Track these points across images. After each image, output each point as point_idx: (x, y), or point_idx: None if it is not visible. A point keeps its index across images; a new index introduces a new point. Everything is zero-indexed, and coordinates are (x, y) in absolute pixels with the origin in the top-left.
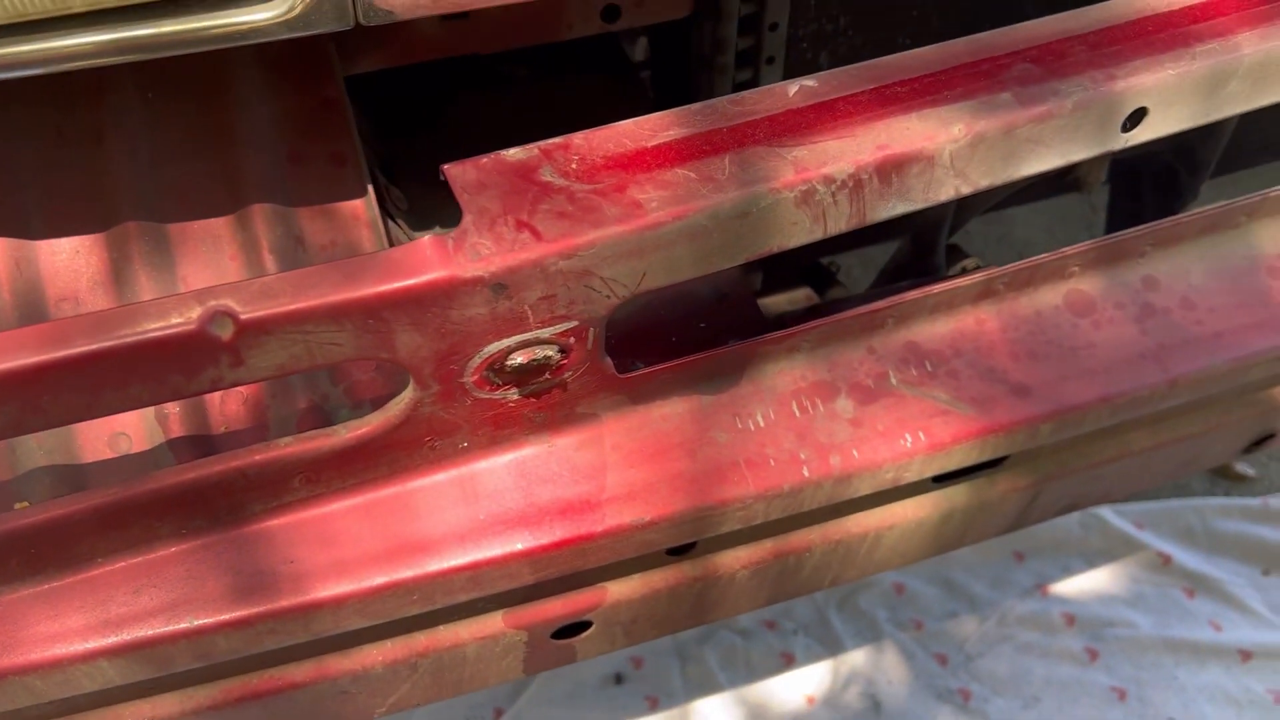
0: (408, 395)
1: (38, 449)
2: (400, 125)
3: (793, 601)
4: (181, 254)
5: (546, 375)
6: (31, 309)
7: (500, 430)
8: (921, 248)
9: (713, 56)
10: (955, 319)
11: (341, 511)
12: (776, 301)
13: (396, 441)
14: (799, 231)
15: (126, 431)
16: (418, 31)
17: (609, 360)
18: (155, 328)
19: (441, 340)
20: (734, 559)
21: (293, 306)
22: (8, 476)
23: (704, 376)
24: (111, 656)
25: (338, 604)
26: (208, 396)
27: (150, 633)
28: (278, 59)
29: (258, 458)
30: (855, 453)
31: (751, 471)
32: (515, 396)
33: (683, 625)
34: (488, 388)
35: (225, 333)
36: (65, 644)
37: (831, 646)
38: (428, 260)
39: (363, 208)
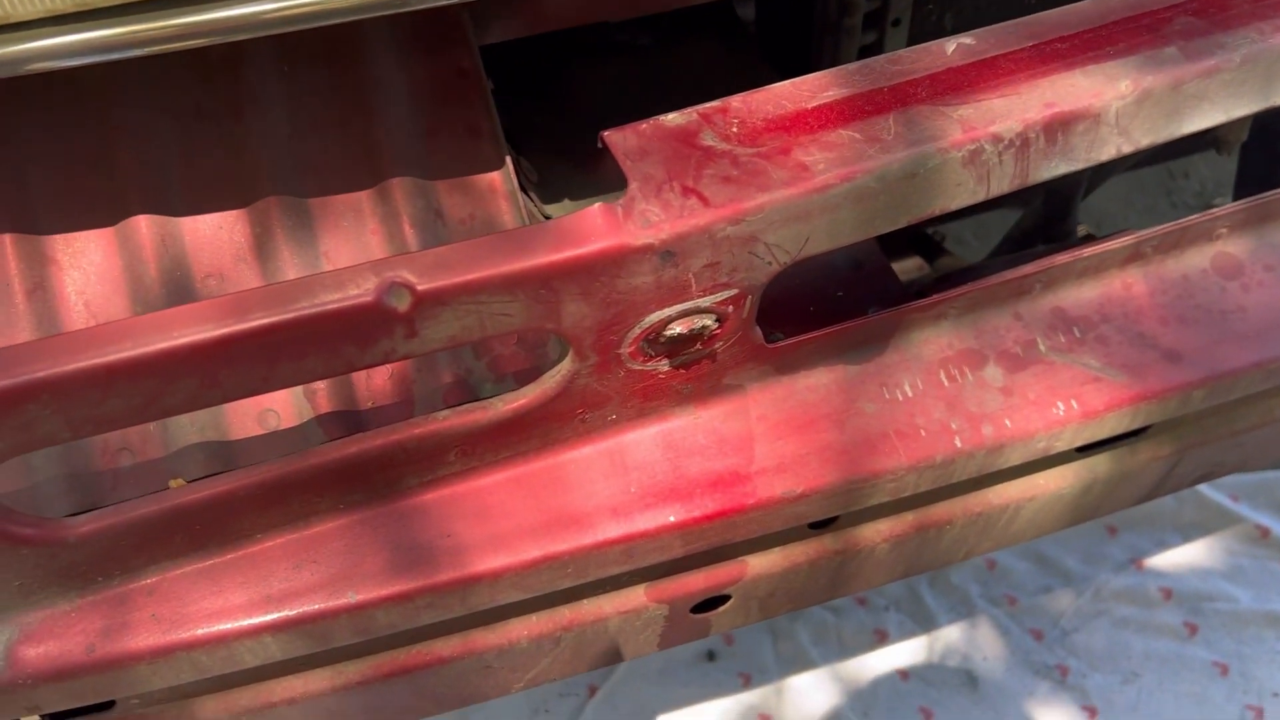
0: (565, 367)
1: (190, 426)
2: (521, 96)
3: None
4: (323, 228)
5: (698, 346)
6: (177, 285)
7: (648, 402)
8: (1054, 212)
9: (839, 19)
10: (1102, 284)
11: (495, 485)
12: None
13: (550, 414)
14: (962, 193)
15: (275, 408)
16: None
17: (758, 330)
18: (333, 299)
19: (606, 310)
20: (875, 532)
21: (469, 277)
22: (161, 454)
23: (849, 346)
24: (274, 632)
25: (495, 577)
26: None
27: (312, 608)
28: (413, 29)
29: (416, 431)
30: (1008, 422)
31: (902, 442)
32: (666, 368)
33: (817, 599)
34: (641, 359)
35: (402, 304)
36: (229, 620)
37: (924, 622)
38: (599, 229)
39: (500, 180)
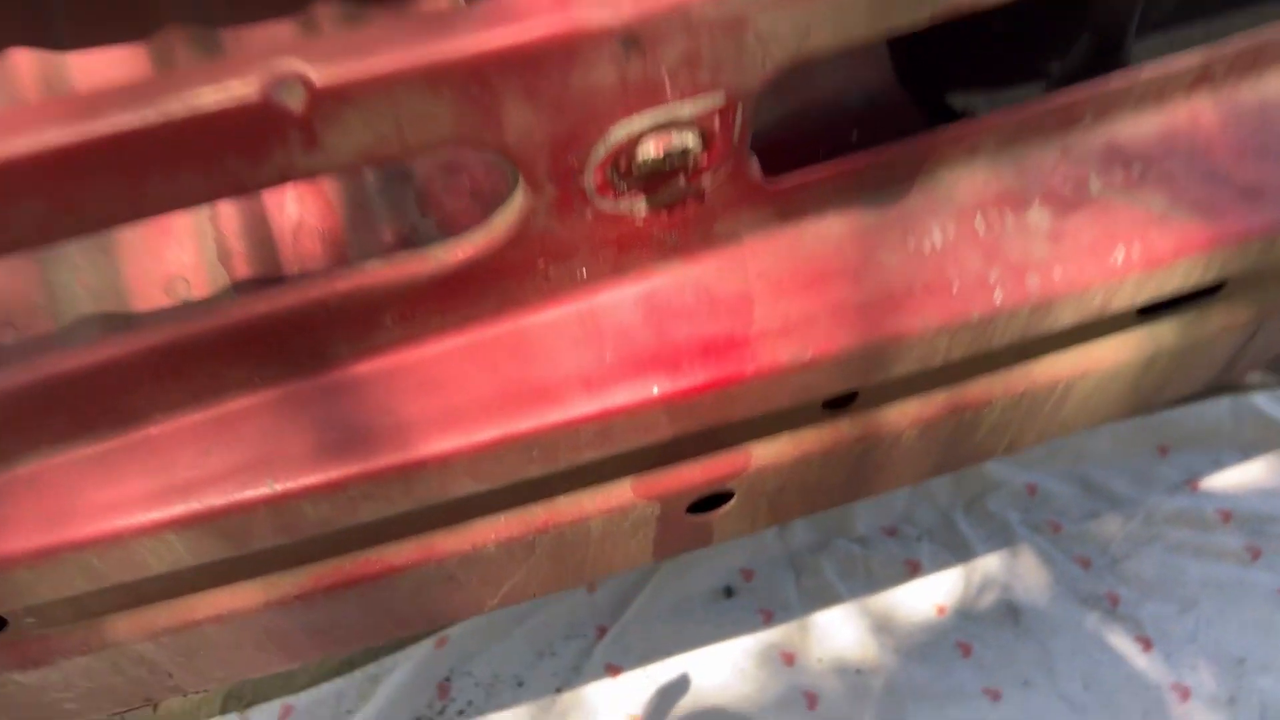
0: (517, 202)
1: (83, 293)
2: None
3: (913, 505)
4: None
5: (681, 180)
6: None
7: (625, 255)
8: (1105, 46)
9: None
10: (1165, 113)
11: (444, 354)
12: None
13: (504, 266)
14: None
15: (185, 275)
16: None
17: (755, 162)
18: (210, 98)
19: (559, 118)
20: (901, 415)
21: (379, 68)
22: (50, 328)
23: (865, 187)
24: (180, 528)
25: (444, 461)
26: (277, 232)
27: (224, 500)
28: None
29: (340, 285)
30: (1057, 272)
31: (931, 298)
32: (643, 210)
33: (836, 498)
34: (612, 195)
35: (296, 102)
36: (126, 514)
37: (960, 552)
38: (542, 4)
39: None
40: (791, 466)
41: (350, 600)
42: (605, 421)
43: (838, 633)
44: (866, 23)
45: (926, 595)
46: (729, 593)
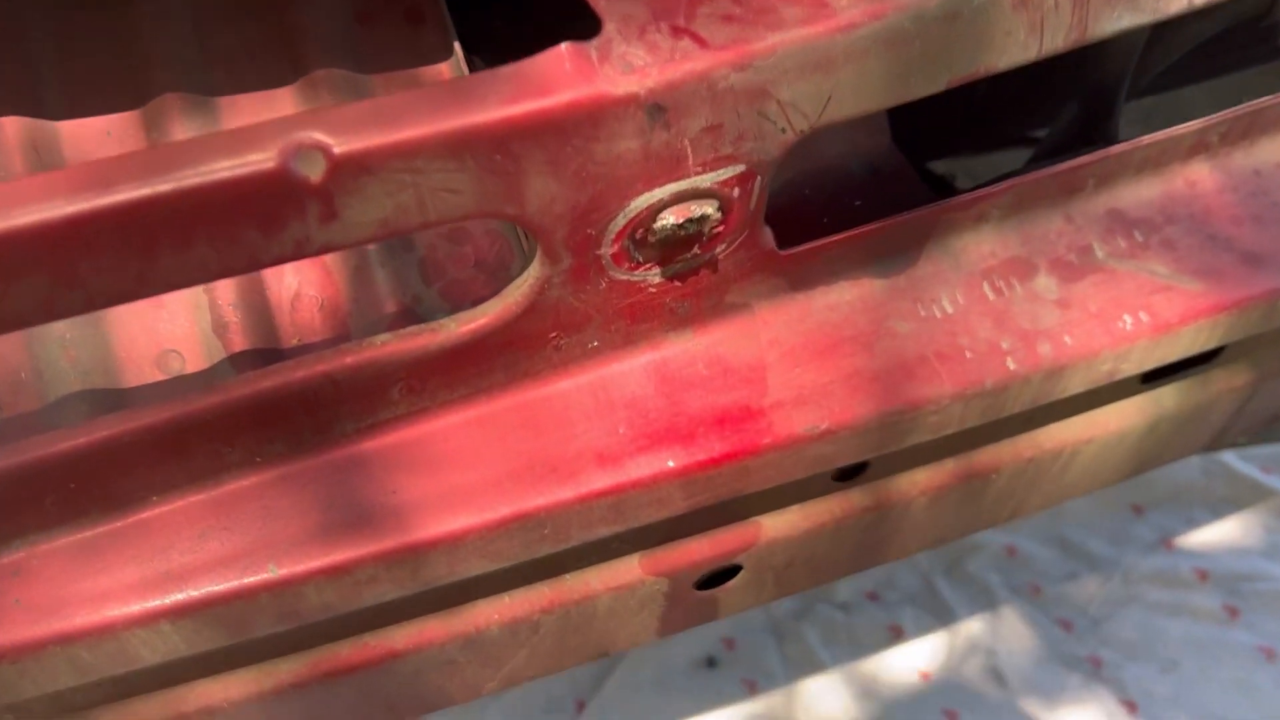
0: (533, 273)
1: (71, 370)
2: (474, 2)
3: (894, 570)
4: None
5: (696, 250)
6: None
7: (637, 325)
8: (1095, 112)
9: None
10: (1163, 180)
11: (451, 429)
12: None
13: (515, 338)
14: (1012, 45)
15: (177, 348)
16: None
17: (768, 231)
18: (225, 166)
19: (581, 189)
20: (911, 484)
21: (401, 135)
22: (36, 406)
23: (873, 255)
24: (176, 618)
25: (455, 542)
26: (274, 302)
27: (223, 586)
28: None
29: (349, 360)
30: (1068, 339)
31: (945, 366)
32: (657, 279)
33: (841, 570)
34: (627, 265)
35: (315, 172)
36: (118, 604)
37: (943, 616)
38: (568, 74)
39: (448, 72)
40: (802, 539)
41: (346, 688)
42: (619, 496)
43: (823, 701)
44: (884, 92)
45: (910, 660)
46: (711, 663)
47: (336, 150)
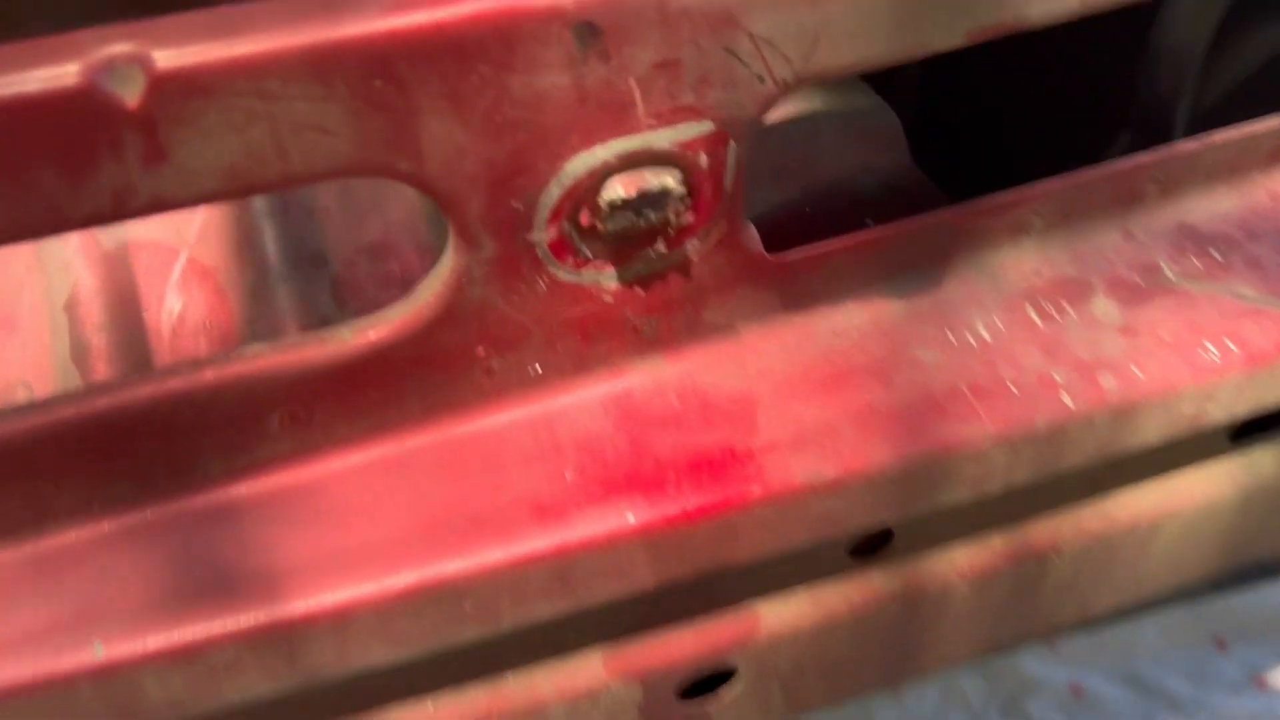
0: (446, 263)
1: None
2: None
3: (946, 708)
4: None
5: (660, 246)
6: None
7: (591, 346)
8: (1148, 141)
9: None
10: (1241, 191)
11: (349, 471)
12: None
13: (431, 355)
14: None
15: (26, 378)
16: None
17: (751, 229)
18: (8, 82)
19: (497, 139)
20: (949, 564)
21: (246, 48)
22: None
23: (888, 270)
24: None
25: (343, 615)
26: (151, 326)
27: (35, 669)
28: None
29: (210, 376)
30: (1137, 371)
31: (984, 402)
32: (613, 284)
33: (869, 681)
34: (571, 259)
35: (132, 92)
36: None
37: None
38: None
39: None
40: (812, 634)
41: None
42: (563, 560)
43: None
44: (889, 36)
45: None
46: None
47: (159, 64)
